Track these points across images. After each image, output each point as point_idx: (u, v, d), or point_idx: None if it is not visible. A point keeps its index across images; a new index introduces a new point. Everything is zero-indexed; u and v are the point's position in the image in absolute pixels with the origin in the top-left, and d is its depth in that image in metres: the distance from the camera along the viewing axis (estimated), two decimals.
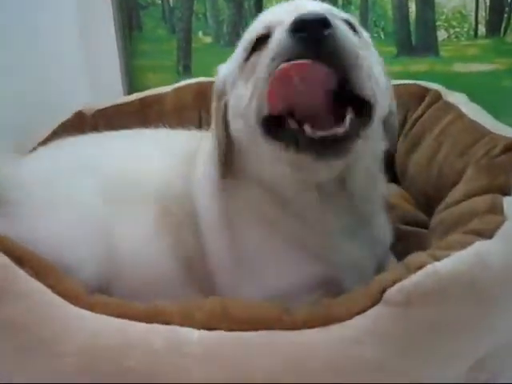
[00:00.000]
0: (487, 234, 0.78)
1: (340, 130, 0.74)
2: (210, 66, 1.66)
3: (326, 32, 0.72)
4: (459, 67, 1.47)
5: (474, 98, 1.37)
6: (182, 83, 1.51)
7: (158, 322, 0.77)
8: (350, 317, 0.73)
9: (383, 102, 0.86)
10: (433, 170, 1.11)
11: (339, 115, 0.75)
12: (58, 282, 0.85)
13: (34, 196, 1.01)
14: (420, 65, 1.50)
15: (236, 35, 1.64)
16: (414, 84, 1.27)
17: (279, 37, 0.76)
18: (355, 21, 0.89)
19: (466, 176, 0.97)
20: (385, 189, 1.02)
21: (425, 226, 1.10)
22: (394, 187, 1.25)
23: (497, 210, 0.83)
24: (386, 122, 0.92)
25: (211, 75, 1.60)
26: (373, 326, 0.72)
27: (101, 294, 0.91)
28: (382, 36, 1.51)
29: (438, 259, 0.73)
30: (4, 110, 1.40)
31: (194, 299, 0.86)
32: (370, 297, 0.73)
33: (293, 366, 0.72)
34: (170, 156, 1.06)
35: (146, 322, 0.77)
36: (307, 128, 0.75)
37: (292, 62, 0.73)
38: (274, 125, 0.80)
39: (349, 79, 0.75)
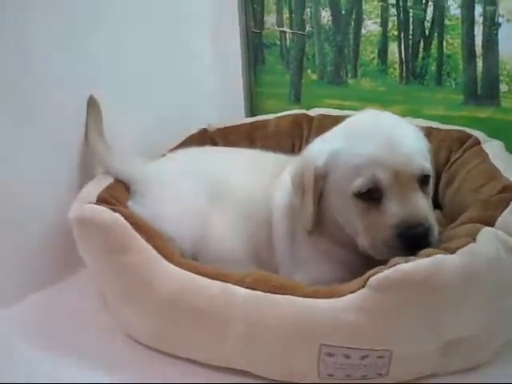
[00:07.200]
0: (452, 250, 1.02)
1: None
2: (315, 97, 2.01)
3: (426, 242, 1.08)
4: None
5: None
6: (284, 113, 1.78)
7: (218, 279, 1.09)
8: (345, 294, 1.01)
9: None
10: (457, 201, 1.36)
11: None
12: (161, 246, 1.17)
13: (156, 190, 1.39)
14: (483, 112, 1.64)
15: (337, 74, 1.92)
16: (460, 130, 1.50)
17: (391, 235, 1.08)
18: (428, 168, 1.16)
19: (470, 208, 1.21)
20: None
21: None
22: (436, 212, 1.49)
23: (472, 235, 1.06)
24: None
25: (315, 105, 1.91)
26: (357, 301, 0.99)
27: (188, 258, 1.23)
28: (453, 85, 1.68)
29: (407, 262, 1.00)
30: (150, 122, 1.75)
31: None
32: (360, 283, 1.00)
33: (299, 317, 1.02)
34: (259, 174, 1.38)
35: (211, 279, 1.10)
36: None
37: None
38: None
39: None
